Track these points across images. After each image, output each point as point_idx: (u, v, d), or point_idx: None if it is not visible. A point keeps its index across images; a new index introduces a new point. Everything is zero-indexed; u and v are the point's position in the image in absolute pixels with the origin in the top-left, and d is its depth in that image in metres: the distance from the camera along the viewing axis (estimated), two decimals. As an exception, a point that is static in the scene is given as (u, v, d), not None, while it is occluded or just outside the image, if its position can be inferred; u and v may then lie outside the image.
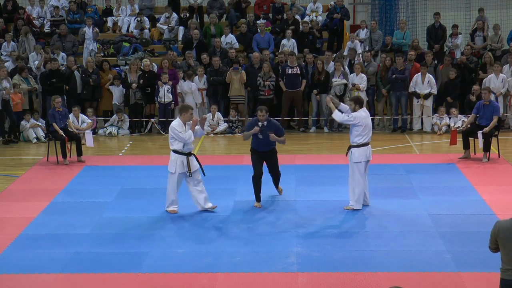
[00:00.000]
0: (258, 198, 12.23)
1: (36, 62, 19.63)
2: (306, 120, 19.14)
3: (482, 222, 10.95)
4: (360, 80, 18.67)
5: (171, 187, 11.74)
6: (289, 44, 20.37)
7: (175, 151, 11.67)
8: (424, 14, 24.27)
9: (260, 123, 12.15)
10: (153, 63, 19.65)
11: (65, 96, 18.63)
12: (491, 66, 18.71)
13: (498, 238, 6.72)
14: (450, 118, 18.47)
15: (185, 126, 11.59)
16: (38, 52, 20.17)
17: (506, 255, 6.68)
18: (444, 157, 15.61)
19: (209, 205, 11.86)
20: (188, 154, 11.65)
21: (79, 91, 19.18)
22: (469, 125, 15.33)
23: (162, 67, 19.01)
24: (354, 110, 11.74)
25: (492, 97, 16.36)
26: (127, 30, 22.21)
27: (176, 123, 11.59)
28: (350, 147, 11.85)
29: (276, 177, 12.62)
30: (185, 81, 19.09)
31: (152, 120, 19.02)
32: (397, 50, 20.35)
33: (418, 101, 18.53)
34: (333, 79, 18.66)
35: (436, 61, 19.76)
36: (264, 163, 12.28)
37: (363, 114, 11.75)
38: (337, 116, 11.85)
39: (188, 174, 11.64)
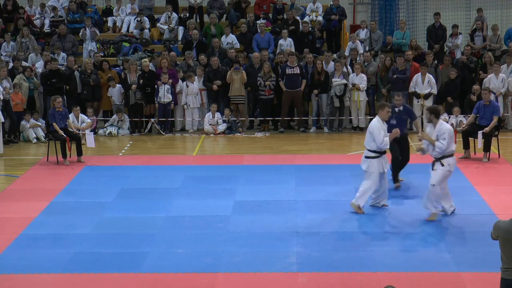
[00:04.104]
0: (396, 180, 13.00)
1: (38, 63, 19.61)
2: (306, 120, 19.13)
3: (482, 222, 10.94)
4: (360, 80, 18.67)
5: (370, 185, 11.58)
6: (286, 43, 20.37)
7: (372, 151, 11.54)
8: (424, 14, 24.26)
9: (396, 108, 12.80)
10: (151, 63, 19.60)
11: (65, 96, 18.61)
12: (491, 66, 18.71)
13: (498, 237, 6.75)
14: (449, 117, 18.46)
15: (383, 123, 11.58)
16: (38, 53, 20.18)
17: (505, 254, 6.71)
18: (444, 157, 15.57)
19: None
20: (383, 153, 11.61)
21: (79, 91, 19.17)
22: (468, 126, 15.33)
23: (162, 67, 18.99)
24: (429, 120, 11.32)
25: (492, 97, 16.36)
26: (127, 30, 22.20)
27: (376, 124, 11.52)
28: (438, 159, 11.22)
29: (403, 163, 13.02)
30: (183, 81, 19.08)
31: (152, 120, 19.02)
32: (397, 50, 20.35)
33: (418, 101, 18.52)
34: (333, 79, 18.65)
35: (436, 61, 19.76)
36: None
37: (448, 125, 11.34)
38: (439, 147, 11.14)
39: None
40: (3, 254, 9.97)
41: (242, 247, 10.17)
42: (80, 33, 21.35)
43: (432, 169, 11.24)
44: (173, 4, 22.41)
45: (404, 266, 9.37)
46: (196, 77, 19.18)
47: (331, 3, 21.67)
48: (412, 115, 13.23)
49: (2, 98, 17.03)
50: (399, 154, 12.97)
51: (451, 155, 11.16)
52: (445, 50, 20.85)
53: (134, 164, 15.39)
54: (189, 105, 19.06)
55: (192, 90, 19.02)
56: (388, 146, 11.51)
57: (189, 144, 18.02)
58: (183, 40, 21.13)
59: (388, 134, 11.64)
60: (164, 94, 18.75)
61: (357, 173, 14.04)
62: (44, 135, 17.93)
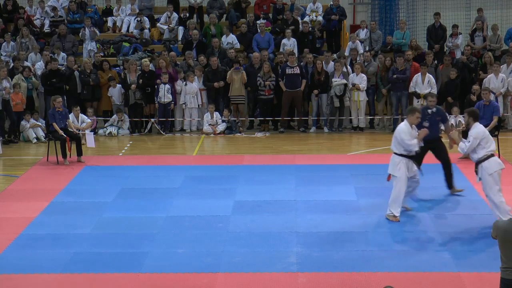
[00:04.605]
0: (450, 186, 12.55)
1: (39, 63, 19.61)
2: (306, 120, 19.14)
3: (482, 222, 10.96)
4: (360, 80, 18.67)
5: (399, 191, 11.23)
6: (289, 43, 20.38)
7: (400, 154, 11.21)
8: (424, 14, 24.27)
9: (429, 110, 12.36)
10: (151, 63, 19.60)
11: (65, 96, 18.61)
12: (491, 66, 18.71)
13: (497, 237, 6.77)
14: (450, 117, 18.46)
15: (411, 128, 11.21)
16: (37, 52, 20.18)
17: (504, 254, 6.72)
18: (444, 157, 15.58)
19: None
20: (411, 157, 11.25)
21: (79, 91, 19.18)
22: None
23: (160, 67, 18.98)
24: (468, 122, 11.04)
25: (492, 97, 16.36)
26: (127, 30, 22.22)
27: (403, 127, 11.19)
28: (477, 163, 10.92)
29: (447, 169, 12.45)
30: (183, 82, 19.07)
31: (152, 120, 19.02)
32: (397, 50, 20.35)
33: (418, 101, 18.51)
34: (333, 79, 18.65)
35: (436, 61, 19.76)
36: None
37: (480, 129, 10.91)
38: (461, 148, 11.02)
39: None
40: (3, 254, 9.97)
41: (242, 247, 10.17)
42: (80, 33, 21.37)
43: (476, 175, 11.03)
44: (174, 4, 22.43)
45: (404, 266, 9.37)
46: (196, 77, 19.17)
47: (331, 3, 21.67)
48: (445, 118, 12.67)
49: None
50: (441, 160, 12.56)
51: (485, 159, 10.80)
52: (445, 50, 20.85)
53: (134, 164, 15.39)
54: (186, 105, 19.05)
55: (191, 89, 19.02)
56: (417, 148, 11.15)
57: (189, 144, 18.02)
58: (183, 40, 21.14)
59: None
60: (164, 94, 18.75)
61: (357, 173, 14.11)
62: (44, 135, 17.93)
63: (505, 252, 6.71)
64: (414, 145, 11.10)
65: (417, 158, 11.97)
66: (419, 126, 11.59)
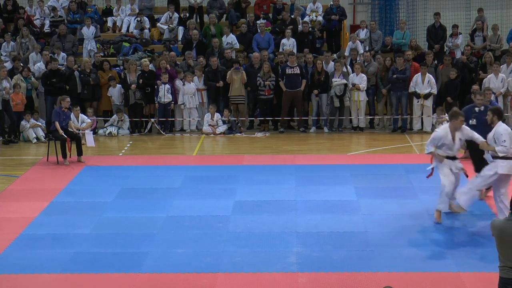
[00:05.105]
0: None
1: (39, 64, 19.61)
2: (306, 120, 19.14)
3: (482, 222, 10.96)
4: (360, 80, 18.67)
5: (441, 185, 11.12)
6: (289, 43, 20.38)
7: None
8: (424, 14, 24.28)
9: (476, 108, 11.87)
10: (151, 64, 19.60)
11: (65, 97, 18.62)
12: (491, 66, 18.71)
13: (494, 236, 6.78)
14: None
15: (452, 133, 10.83)
16: (38, 52, 20.18)
17: (502, 253, 6.73)
18: (444, 157, 15.57)
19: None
20: (453, 158, 11.03)
21: (79, 91, 19.17)
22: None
23: (160, 68, 18.98)
24: (491, 121, 10.73)
25: (492, 97, 16.35)
26: (127, 30, 22.22)
27: (439, 131, 11.00)
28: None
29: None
30: (182, 81, 19.06)
31: (152, 120, 19.02)
32: (396, 50, 20.36)
33: (418, 101, 18.52)
34: (333, 79, 18.65)
35: (436, 61, 19.76)
36: None
37: (506, 126, 10.76)
38: (499, 151, 10.57)
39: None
40: (3, 254, 9.98)
41: (242, 247, 10.17)
42: (81, 30, 21.33)
43: None
44: (175, 4, 22.44)
45: (404, 266, 9.37)
46: (196, 77, 19.17)
47: (331, 3, 21.67)
48: None
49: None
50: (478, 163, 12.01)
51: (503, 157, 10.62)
52: (445, 50, 20.85)
53: (134, 164, 15.39)
54: (185, 105, 19.05)
55: (189, 90, 19.01)
56: (428, 152, 11.01)
57: (189, 144, 18.02)
58: (183, 40, 21.15)
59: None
60: (164, 94, 18.75)
61: (357, 173, 14.10)
62: (44, 135, 17.93)
63: (502, 251, 6.71)
64: (428, 148, 10.99)
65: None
66: (467, 126, 11.20)
